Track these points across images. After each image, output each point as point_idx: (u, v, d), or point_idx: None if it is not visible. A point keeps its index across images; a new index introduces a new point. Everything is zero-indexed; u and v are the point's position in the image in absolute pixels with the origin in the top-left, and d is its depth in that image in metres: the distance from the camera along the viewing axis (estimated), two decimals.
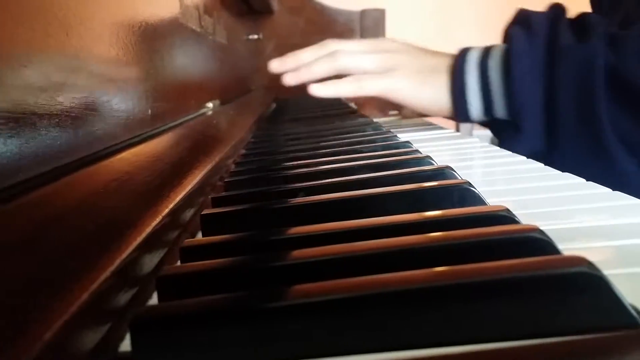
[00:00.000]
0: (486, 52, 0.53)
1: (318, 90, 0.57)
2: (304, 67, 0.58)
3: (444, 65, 0.55)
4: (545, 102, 0.50)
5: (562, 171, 0.35)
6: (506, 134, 0.54)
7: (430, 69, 0.55)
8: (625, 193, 0.29)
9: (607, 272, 0.16)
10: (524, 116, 0.51)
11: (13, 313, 0.14)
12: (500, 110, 0.53)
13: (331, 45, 0.59)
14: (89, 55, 0.26)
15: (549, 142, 0.50)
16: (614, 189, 0.29)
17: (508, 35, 0.53)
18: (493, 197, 0.30)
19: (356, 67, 0.56)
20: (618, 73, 0.45)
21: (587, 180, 0.32)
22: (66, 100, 0.23)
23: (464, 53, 0.55)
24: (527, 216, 0.24)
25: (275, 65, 0.62)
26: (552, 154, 0.50)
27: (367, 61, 0.56)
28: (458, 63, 0.54)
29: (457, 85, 0.53)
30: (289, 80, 0.59)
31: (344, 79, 0.56)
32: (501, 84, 0.52)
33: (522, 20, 0.53)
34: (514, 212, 0.23)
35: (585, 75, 0.46)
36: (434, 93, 0.54)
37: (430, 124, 0.67)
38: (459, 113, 0.54)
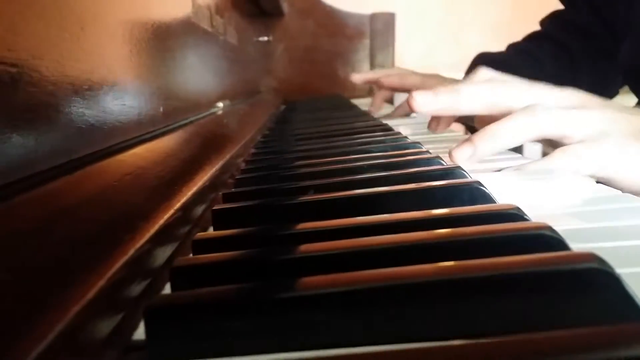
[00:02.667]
0: None
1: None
2: (497, 127, 0.38)
3: None
4: None
5: None
6: None
7: None
8: None
9: (619, 270, 0.16)
10: None
11: (30, 300, 0.15)
12: None
13: (505, 90, 0.41)
14: (103, 52, 0.26)
15: None
16: None
17: None
18: None
19: (564, 133, 0.38)
20: None
21: None
22: (81, 95, 0.23)
23: None
24: (539, 217, 0.24)
25: (422, 101, 0.42)
26: None
27: (577, 123, 0.38)
28: None
29: None
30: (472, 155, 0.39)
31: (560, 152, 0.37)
32: None
33: None
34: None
35: None
36: None
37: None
38: None
